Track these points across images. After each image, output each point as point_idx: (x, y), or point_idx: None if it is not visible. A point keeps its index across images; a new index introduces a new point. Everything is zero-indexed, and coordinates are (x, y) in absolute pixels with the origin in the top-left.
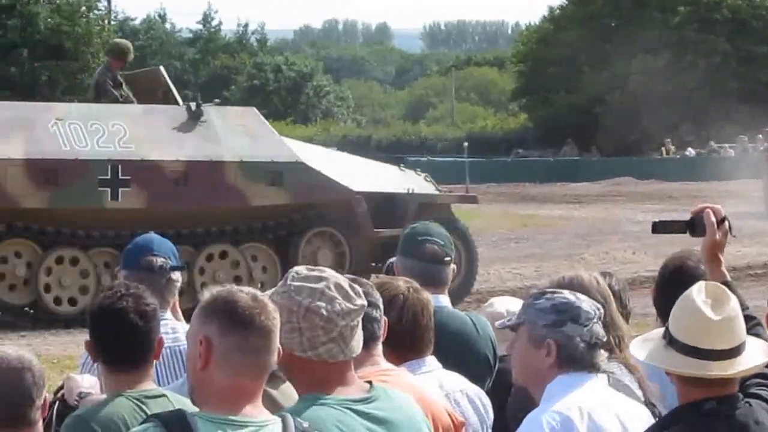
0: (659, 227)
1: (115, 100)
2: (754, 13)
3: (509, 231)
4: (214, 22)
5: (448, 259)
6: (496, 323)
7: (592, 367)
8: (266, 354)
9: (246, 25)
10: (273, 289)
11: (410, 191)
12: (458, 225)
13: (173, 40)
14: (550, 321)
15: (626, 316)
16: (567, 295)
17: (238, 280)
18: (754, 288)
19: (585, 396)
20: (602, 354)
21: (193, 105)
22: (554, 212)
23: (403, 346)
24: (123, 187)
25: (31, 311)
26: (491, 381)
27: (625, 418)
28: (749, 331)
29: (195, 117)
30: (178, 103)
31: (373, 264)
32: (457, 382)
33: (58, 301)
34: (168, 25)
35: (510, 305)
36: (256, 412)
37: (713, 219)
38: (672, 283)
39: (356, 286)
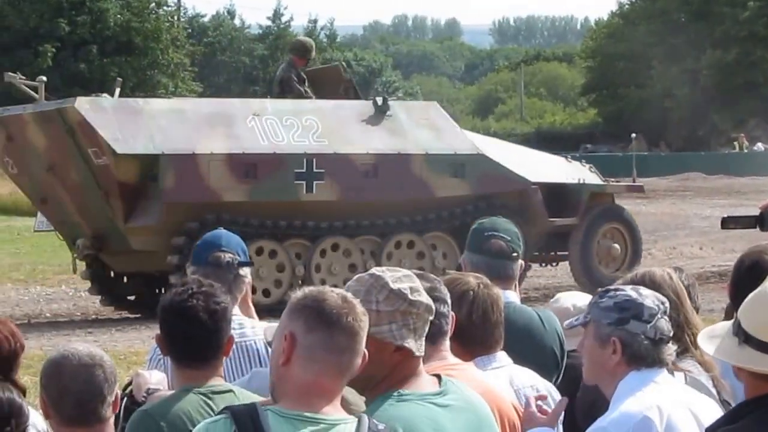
0: (729, 222)
1: (300, 96)
2: None
3: None
4: (284, 18)
5: (515, 254)
6: (565, 323)
7: (660, 363)
8: (350, 354)
9: (315, 21)
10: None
11: (581, 181)
12: (624, 214)
13: (243, 36)
14: (613, 319)
15: (695, 311)
16: (629, 292)
17: (421, 268)
18: None
19: (660, 394)
20: (669, 348)
21: (379, 99)
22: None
23: (473, 341)
24: (317, 180)
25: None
26: (560, 376)
27: (701, 416)
28: None
29: (381, 111)
30: (359, 99)
31: (537, 253)
32: (528, 378)
33: (256, 291)
34: (237, 21)
35: (576, 300)
36: (333, 410)
37: None
38: (749, 278)
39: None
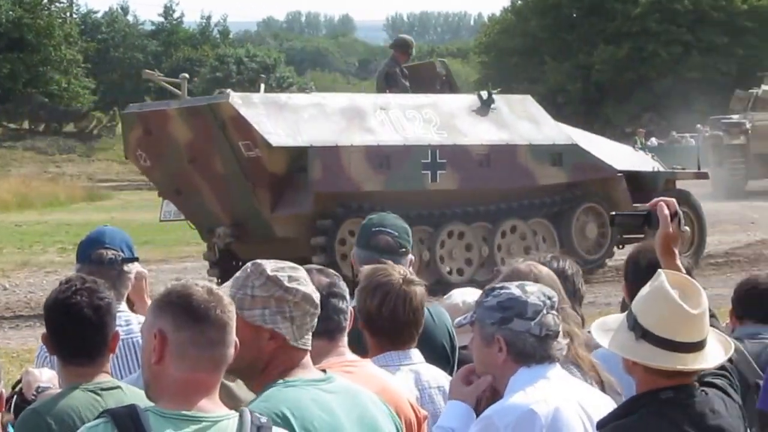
0: (618, 221)
1: (405, 90)
2: (714, 3)
3: None
4: (177, 15)
5: (403, 250)
6: (454, 322)
7: (549, 359)
8: (222, 347)
9: (209, 17)
10: (228, 283)
11: (655, 169)
12: (692, 198)
13: (136, 33)
14: (496, 319)
15: (579, 300)
16: (513, 290)
17: (527, 250)
18: (715, 277)
19: (550, 388)
20: (559, 343)
21: (484, 94)
22: None
23: (380, 334)
24: (440, 170)
25: None
26: (452, 371)
27: (591, 410)
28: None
29: (487, 104)
30: (455, 92)
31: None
32: (436, 378)
33: None
34: (130, 18)
35: (467, 297)
36: (212, 406)
37: (666, 212)
38: (649, 276)
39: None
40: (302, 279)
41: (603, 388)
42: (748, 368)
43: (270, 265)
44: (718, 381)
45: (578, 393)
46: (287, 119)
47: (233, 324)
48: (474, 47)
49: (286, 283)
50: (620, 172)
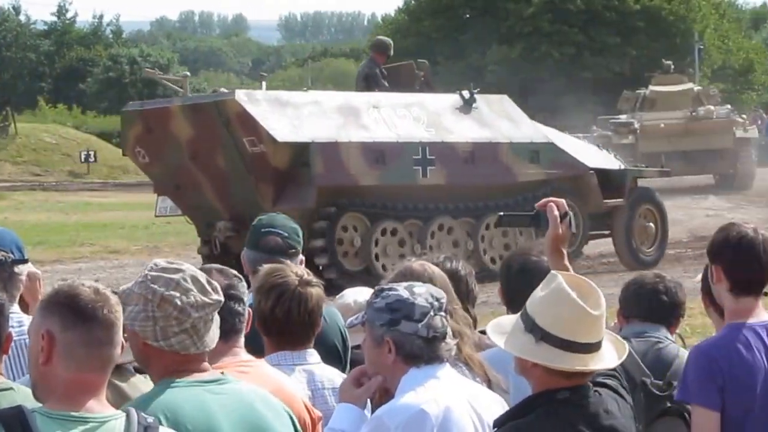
0: (505, 220)
1: (385, 91)
2: (606, 4)
3: None
4: (69, 14)
5: (293, 251)
6: (346, 322)
7: (437, 359)
8: (110, 347)
9: (101, 17)
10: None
11: (622, 167)
12: (656, 196)
13: (28, 32)
14: (385, 320)
15: (472, 301)
16: (401, 291)
17: (508, 248)
18: (607, 276)
19: (440, 388)
20: (448, 344)
21: (466, 93)
22: None
23: (275, 335)
24: (430, 165)
25: None
26: (344, 371)
27: (481, 409)
28: None
29: (469, 104)
30: (432, 92)
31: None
32: (331, 379)
33: (384, 268)
34: (22, 17)
35: (359, 296)
36: (99, 407)
37: (556, 213)
38: (520, 281)
39: (214, 282)
40: (180, 281)
41: (490, 386)
42: (636, 367)
43: (161, 263)
44: (609, 381)
45: (468, 392)
46: (289, 115)
47: (120, 324)
48: (367, 48)
49: (150, 284)
50: (591, 169)
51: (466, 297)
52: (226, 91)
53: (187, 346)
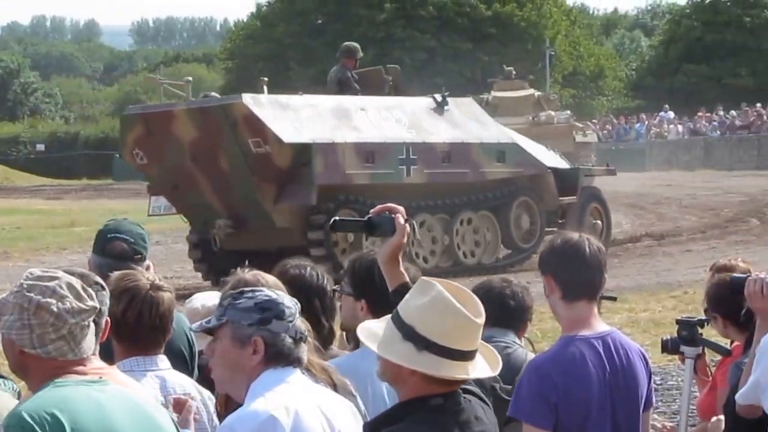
0: (338, 226)
1: (357, 94)
2: (458, 10)
3: None
4: None
5: (138, 256)
6: (194, 325)
7: (298, 362)
8: None
9: None
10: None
11: (575, 166)
12: (601, 194)
13: None
14: (255, 320)
15: (327, 312)
16: (268, 292)
17: (478, 244)
18: (459, 282)
19: (291, 394)
20: (304, 348)
21: (438, 96)
22: None
23: (126, 340)
24: (413, 165)
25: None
26: (191, 376)
27: (331, 414)
28: None
29: (441, 106)
30: (401, 96)
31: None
32: (182, 385)
33: None
34: None
35: (206, 300)
36: None
37: (402, 221)
38: (365, 281)
39: (89, 289)
40: (56, 288)
41: (336, 391)
42: None
43: (36, 272)
44: (472, 388)
45: (318, 397)
46: (290, 117)
47: None
48: (219, 53)
49: (25, 292)
50: (549, 168)
51: (321, 308)
52: (217, 96)
53: (65, 353)
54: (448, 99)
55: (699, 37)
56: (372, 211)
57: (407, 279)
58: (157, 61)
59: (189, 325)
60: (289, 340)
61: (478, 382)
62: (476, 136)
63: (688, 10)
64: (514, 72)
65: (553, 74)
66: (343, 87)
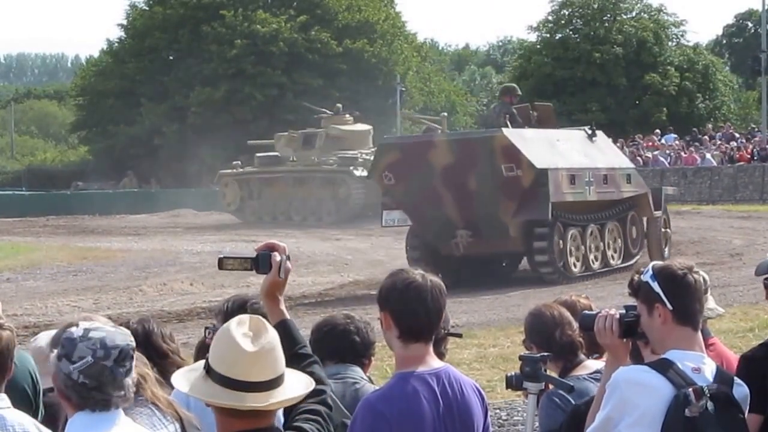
0: (226, 263)
1: (520, 127)
2: (309, 46)
3: (68, 263)
4: None
5: None
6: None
7: (101, 405)
8: None
9: None
10: None
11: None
12: (667, 209)
13: None
14: (56, 354)
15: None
16: (79, 329)
17: (616, 250)
18: (308, 317)
19: None
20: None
21: (588, 129)
22: (113, 245)
23: None
24: (591, 186)
25: None
26: (35, 414)
27: None
28: (304, 369)
29: (591, 137)
30: (554, 127)
31: None
32: (22, 423)
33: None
34: None
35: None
36: None
37: (278, 258)
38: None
39: None
40: None
41: (183, 425)
42: (335, 408)
43: None
44: (307, 426)
45: None
46: (532, 147)
47: None
48: (70, 89)
49: None
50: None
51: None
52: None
53: None
54: (597, 132)
55: (549, 73)
56: (256, 248)
57: (286, 317)
58: (8, 98)
59: (33, 364)
60: (70, 383)
61: (329, 418)
62: (618, 162)
63: (538, 46)
64: (341, 107)
65: (403, 110)
66: (510, 120)
